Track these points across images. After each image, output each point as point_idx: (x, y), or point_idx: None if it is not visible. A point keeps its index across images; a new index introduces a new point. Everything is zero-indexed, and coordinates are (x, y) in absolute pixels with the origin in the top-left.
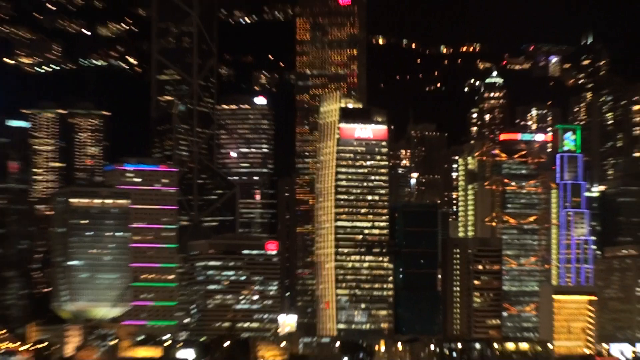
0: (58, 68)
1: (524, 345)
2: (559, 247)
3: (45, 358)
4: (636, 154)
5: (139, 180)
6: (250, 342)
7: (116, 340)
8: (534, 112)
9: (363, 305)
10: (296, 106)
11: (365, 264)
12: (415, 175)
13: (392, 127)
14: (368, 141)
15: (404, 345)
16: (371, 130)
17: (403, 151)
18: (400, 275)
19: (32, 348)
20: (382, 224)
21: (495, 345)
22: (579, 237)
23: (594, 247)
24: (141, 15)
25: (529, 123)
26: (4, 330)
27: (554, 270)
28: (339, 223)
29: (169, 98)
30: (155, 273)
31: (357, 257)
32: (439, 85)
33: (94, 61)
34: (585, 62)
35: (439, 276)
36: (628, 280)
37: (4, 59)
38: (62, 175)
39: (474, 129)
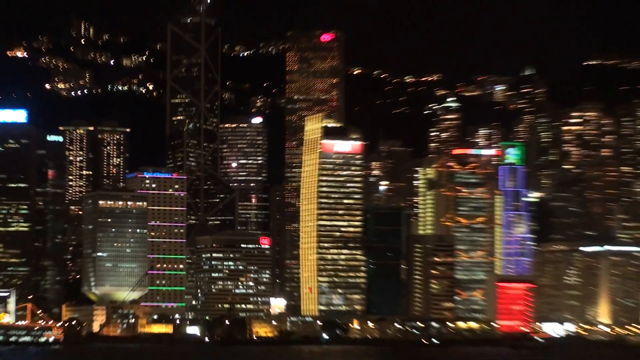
0: (88, 92)
1: (473, 324)
2: (502, 243)
3: (75, 334)
4: (566, 167)
5: (155, 186)
6: (246, 321)
7: (135, 319)
8: (482, 131)
9: (340, 291)
10: (286, 125)
11: (342, 257)
12: (384, 183)
13: (366, 142)
14: (345, 154)
15: (374, 323)
16: (348, 145)
17: (374, 163)
18: (371, 266)
19: (64, 325)
20: (356, 223)
21: (449, 324)
22: (518, 235)
23: (531, 243)
24: (157, 49)
25: (478, 140)
26: (41, 310)
27: (497, 262)
28: (321, 222)
29: (180, 118)
30: (168, 263)
31: (336, 251)
32: (404, 108)
33: (118, 87)
34: (525, 90)
35: (403, 266)
36: (559, 271)
37: (44, 85)
38: (90, 181)
39: (433, 144)
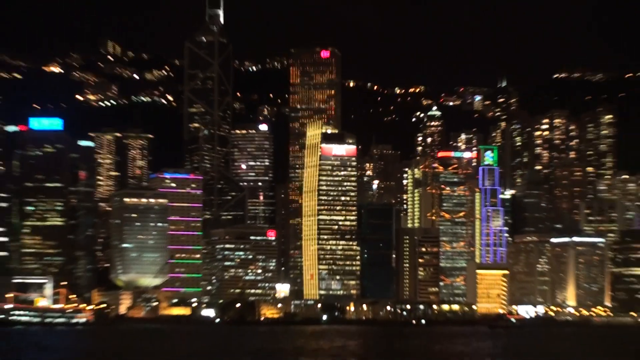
0: (115, 103)
1: (455, 307)
2: (481, 234)
3: (104, 316)
4: (536, 167)
5: (174, 185)
6: (255, 304)
7: (157, 302)
8: (463, 136)
9: (338, 277)
10: (289, 131)
11: (340, 247)
12: (376, 182)
13: (359, 146)
14: (342, 157)
15: (368, 305)
16: (344, 149)
17: (367, 164)
18: (365, 255)
19: (95, 308)
20: (351, 217)
21: (434, 306)
22: (495, 228)
23: (506, 234)
24: (176, 64)
25: (459, 144)
26: (74, 295)
27: (477, 251)
28: (320, 217)
29: (196, 125)
30: (186, 253)
31: (334, 242)
32: (393, 116)
33: (141, 98)
34: (500, 100)
35: (393, 256)
36: (531, 259)
37: (77, 96)
38: (117, 181)
39: (419, 148)
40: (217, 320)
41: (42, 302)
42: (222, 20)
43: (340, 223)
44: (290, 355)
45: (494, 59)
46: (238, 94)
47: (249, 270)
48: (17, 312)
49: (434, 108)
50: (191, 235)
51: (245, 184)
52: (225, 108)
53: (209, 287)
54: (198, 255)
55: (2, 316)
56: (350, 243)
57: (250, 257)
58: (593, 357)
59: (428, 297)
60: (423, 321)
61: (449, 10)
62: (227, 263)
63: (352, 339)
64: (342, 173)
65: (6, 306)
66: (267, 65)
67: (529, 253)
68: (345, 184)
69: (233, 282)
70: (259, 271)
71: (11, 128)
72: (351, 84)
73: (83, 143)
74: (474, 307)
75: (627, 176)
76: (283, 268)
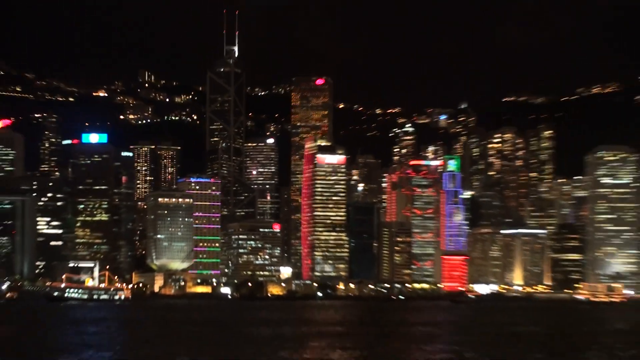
0: (150, 121)
1: (425, 285)
2: (445, 227)
3: (141, 293)
4: (490, 173)
5: (198, 187)
6: (263, 283)
7: (184, 282)
8: (431, 148)
9: (330, 261)
10: (291, 144)
11: (331, 237)
12: (361, 185)
13: (348, 156)
14: (333, 165)
15: (354, 285)
16: (335, 159)
17: (354, 171)
18: (352, 244)
19: (133, 287)
20: (341, 213)
21: (408, 285)
22: (457, 222)
23: (466, 227)
24: (199, 90)
25: (428, 154)
26: (117, 276)
27: (442, 241)
28: (316, 213)
29: (216, 139)
30: (207, 242)
31: (327, 233)
32: (375, 132)
33: (171, 117)
34: (461, 119)
35: (375, 244)
36: (486, 247)
37: (119, 116)
38: (152, 184)
39: (396, 158)
40: (233, 296)
41: (90, 283)
42: (236, 54)
43: (332, 218)
44: (293, 323)
45: (456, 86)
46: (250, 114)
47: (258, 256)
48: (70, 290)
49: (408, 125)
50: (211, 228)
51: (255, 186)
52: (239, 125)
53: (226, 270)
54: (217, 244)
55: (58, 293)
56: (340, 234)
57: (259, 245)
58: (533, 323)
59: (403, 277)
60: (401, 297)
61: (421, 47)
62: (240, 250)
63: (342, 311)
64: (334, 178)
65: (62, 285)
66: (273, 90)
67: (484, 242)
68: (336, 186)
69: (245, 265)
70: (267, 257)
71: (66, 142)
72: (341, 106)
73: (124, 154)
74: (439, 285)
75: (563, 180)
76: (286, 254)
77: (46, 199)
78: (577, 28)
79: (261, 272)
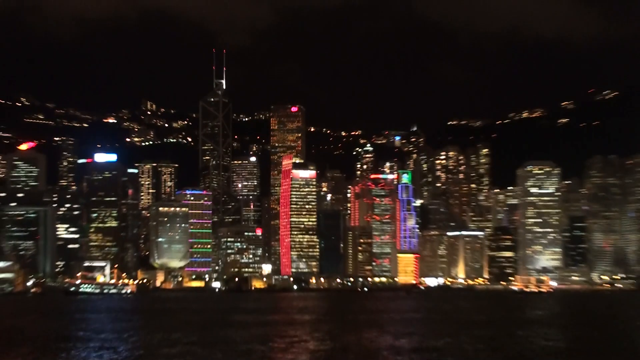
0: (152, 143)
1: (383, 279)
2: (400, 230)
3: (145, 287)
4: (437, 185)
5: (192, 198)
6: (248, 278)
7: (181, 278)
8: (387, 164)
9: (304, 260)
10: (270, 161)
11: (305, 239)
12: (329, 195)
13: (318, 171)
14: (306, 179)
15: (324, 279)
16: (307, 173)
17: (323, 183)
18: (322, 245)
19: (138, 282)
20: (313, 219)
21: (369, 279)
22: (409, 226)
23: (417, 230)
24: (193, 117)
25: (385, 169)
26: (124, 273)
27: (397, 242)
28: (292, 219)
29: (207, 158)
30: (201, 244)
31: (301, 236)
32: (341, 151)
33: (170, 140)
34: (413, 139)
35: (341, 245)
36: (434, 247)
37: (126, 138)
38: (154, 196)
39: (358, 172)
40: (222, 289)
41: (101, 279)
42: (224, 86)
43: (305, 223)
44: (272, 311)
45: (408, 112)
46: (235, 136)
47: (244, 256)
48: (84, 286)
49: (368, 145)
50: (204, 232)
51: (240, 197)
52: (227, 146)
53: (216, 267)
54: (209, 246)
55: (74, 288)
56: (312, 236)
57: (244, 246)
58: (473, 310)
59: (365, 272)
60: (366, 289)
61: (378, 81)
62: (228, 251)
63: (314, 301)
64: (306, 189)
65: (77, 282)
66: (255, 117)
67: (433, 242)
68: (308, 196)
69: (233, 263)
70: (250, 256)
71: (81, 160)
72: (312, 129)
73: (130, 170)
74: (395, 279)
75: (498, 190)
76: (267, 254)
77: (65, 209)
78: (506, 63)
79: (246, 269)
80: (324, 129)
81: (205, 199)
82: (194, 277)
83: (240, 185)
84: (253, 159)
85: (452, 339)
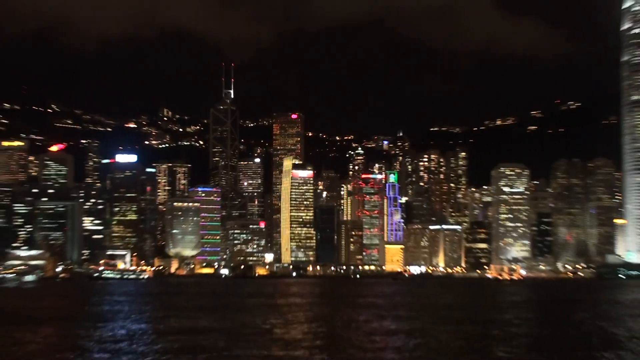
0: (168, 146)
1: (372, 267)
2: (387, 224)
3: (161, 273)
4: (420, 184)
5: (204, 195)
6: (252, 266)
7: (193, 265)
8: (376, 165)
9: (302, 250)
10: (273, 163)
11: (303, 231)
12: (325, 193)
13: (315, 172)
14: (304, 178)
15: (320, 267)
16: (306, 173)
17: (320, 182)
18: (318, 237)
19: (155, 269)
20: (310, 214)
21: (360, 267)
22: (396, 220)
23: (402, 224)
24: (205, 122)
25: (374, 170)
26: (142, 261)
27: (385, 234)
28: (291, 213)
29: (217, 159)
30: (211, 236)
31: (299, 229)
32: (335, 153)
33: (184, 142)
34: (399, 144)
35: (335, 237)
36: (417, 239)
37: (145, 141)
38: (170, 192)
39: (350, 173)
40: (229, 275)
41: (122, 266)
42: (232, 95)
43: (303, 217)
44: (274, 295)
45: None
46: (242, 140)
47: (249, 246)
48: (106, 272)
49: (359, 149)
50: (214, 224)
51: (246, 194)
52: (234, 149)
53: (224, 256)
54: (218, 237)
55: (97, 274)
56: (309, 229)
57: (249, 238)
58: (451, 295)
59: (356, 261)
60: (357, 276)
61: (368, 92)
62: (235, 241)
63: (312, 286)
64: (305, 187)
65: (100, 268)
66: (259, 122)
67: (416, 235)
68: (306, 194)
69: (239, 253)
70: (255, 246)
71: (105, 161)
72: (310, 134)
73: (148, 170)
74: (383, 267)
75: (474, 189)
76: (269, 244)
77: (90, 204)
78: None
79: (251, 258)
80: (321, 134)
81: (215, 195)
82: (204, 264)
83: (245, 184)
84: (257, 160)
85: (430, 320)
